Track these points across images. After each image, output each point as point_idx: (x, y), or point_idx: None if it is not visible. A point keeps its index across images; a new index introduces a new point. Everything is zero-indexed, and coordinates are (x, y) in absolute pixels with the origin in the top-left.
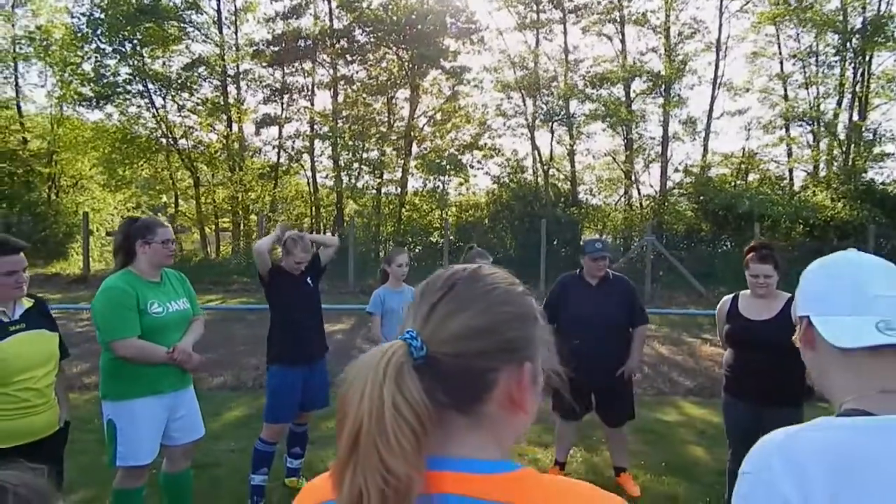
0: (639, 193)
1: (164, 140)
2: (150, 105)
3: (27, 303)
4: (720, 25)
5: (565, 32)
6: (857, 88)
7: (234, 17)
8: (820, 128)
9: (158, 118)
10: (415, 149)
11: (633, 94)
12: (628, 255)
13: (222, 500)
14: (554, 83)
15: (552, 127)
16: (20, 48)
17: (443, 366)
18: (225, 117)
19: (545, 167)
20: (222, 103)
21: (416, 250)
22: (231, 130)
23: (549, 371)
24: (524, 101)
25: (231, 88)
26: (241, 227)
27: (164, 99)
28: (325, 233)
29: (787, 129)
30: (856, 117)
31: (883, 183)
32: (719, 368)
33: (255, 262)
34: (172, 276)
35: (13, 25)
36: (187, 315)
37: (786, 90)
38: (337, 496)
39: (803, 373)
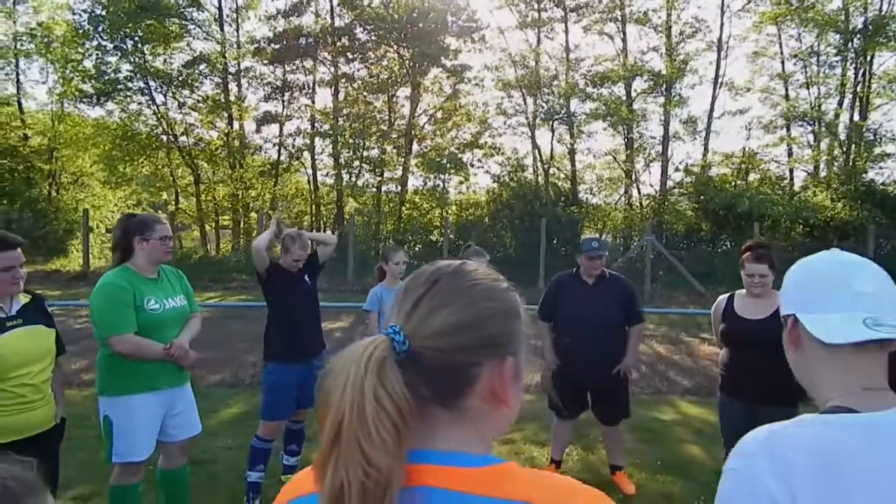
0: (639, 193)
1: (164, 137)
2: (150, 102)
3: (24, 298)
4: (721, 25)
5: (566, 31)
6: (858, 88)
7: (235, 15)
8: (821, 128)
9: (159, 115)
10: (415, 147)
11: (633, 94)
12: (628, 255)
13: (219, 496)
14: (555, 82)
15: (553, 126)
16: (21, 45)
17: (425, 360)
18: (226, 115)
19: (545, 166)
20: (223, 101)
21: (416, 249)
22: (232, 128)
23: (546, 370)
24: (525, 99)
25: (232, 86)
26: (242, 224)
27: (164, 96)
28: (324, 231)
29: (788, 129)
30: (857, 117)
31: (883, 183)
32: (717, 368)
33: (254, 260)
34: (170, 273)
35: (15, 22)
36: (184, 312)
37: (787, 90)
38: (319, 489)
39: None
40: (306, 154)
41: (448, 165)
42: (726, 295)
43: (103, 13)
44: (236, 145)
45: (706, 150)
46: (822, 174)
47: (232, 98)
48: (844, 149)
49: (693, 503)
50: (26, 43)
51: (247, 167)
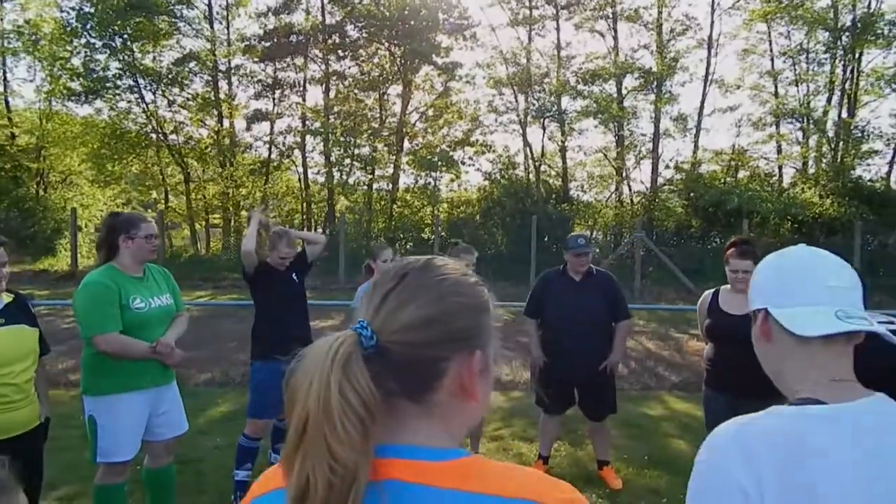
0: (629, 190)
1: (154, 135)
2: (140, 100)
3: (7, 298)
4: (712, 22)
5: (558, 29)
6: (847, 86)
7: (225, 12)
8: (809, 125)
9: (148, 113)
10: (406, 145)
11: (624, 91)
12: (618, 252)
13: (206, 495)
14: (546, 79)
15: (544, 123)
16: (8, 42)
17: (393, 355)
18: (216, 113)
19: (536, 163)
20: (213, 98)
21: (408, 247)
22: (222, 126)
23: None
24: (516, 97)
25: (222, 83)
26: (232, 223)
27: (154, 94)
28: (315, 229)
29: (777, 126)
30: (845, 114)
31: (871, 180)
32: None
33: (244, 262)
34: (156, 272)
35: (1, 20)
36: (170, 311)
37: (776, 87)
38: (287, 484)
39: None
40: (297, 152)
41: (439, 163)
42: (711, 290)
43: (92, 10)
44: (226, 143)
45: (696, 147)
46: (811, 171)
47: (222, 96)
48: (833, 146)
49: (680, 497)
50: (13, 41)
51: (237, 165)
